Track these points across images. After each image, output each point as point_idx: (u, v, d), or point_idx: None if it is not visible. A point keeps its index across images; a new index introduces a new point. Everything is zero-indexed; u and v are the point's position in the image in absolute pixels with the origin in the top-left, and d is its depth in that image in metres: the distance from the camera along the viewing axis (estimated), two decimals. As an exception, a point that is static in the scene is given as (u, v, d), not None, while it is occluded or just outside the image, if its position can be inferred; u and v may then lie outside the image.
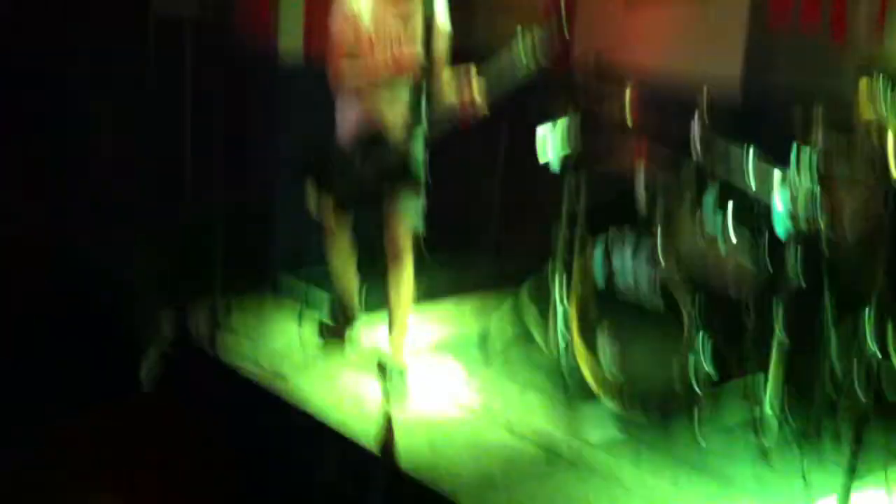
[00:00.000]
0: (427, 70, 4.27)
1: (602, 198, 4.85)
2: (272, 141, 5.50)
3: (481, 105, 4.27)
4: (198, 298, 4.86)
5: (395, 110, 4.32)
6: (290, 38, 5.46)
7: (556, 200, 4.75)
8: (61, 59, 5.46)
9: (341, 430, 4.08)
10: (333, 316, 4.97)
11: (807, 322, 4.09)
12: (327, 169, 4.47)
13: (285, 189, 5.23)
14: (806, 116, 3.93)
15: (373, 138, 4.34)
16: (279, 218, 5.54)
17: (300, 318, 5.00)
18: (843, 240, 4.09)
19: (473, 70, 4.25)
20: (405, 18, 4.29)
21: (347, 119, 4.42)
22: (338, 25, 4.28)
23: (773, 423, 3.99)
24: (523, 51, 4.16)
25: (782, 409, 4.01)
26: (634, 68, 5.61)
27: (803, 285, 3.94)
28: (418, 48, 4.28)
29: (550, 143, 4.63)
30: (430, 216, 4.54)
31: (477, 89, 4.23)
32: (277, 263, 5.58)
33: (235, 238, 5.10)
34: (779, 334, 3.97)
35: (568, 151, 4.60)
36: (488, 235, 6.15)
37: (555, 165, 4.61)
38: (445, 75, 4.40)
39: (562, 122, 4.62)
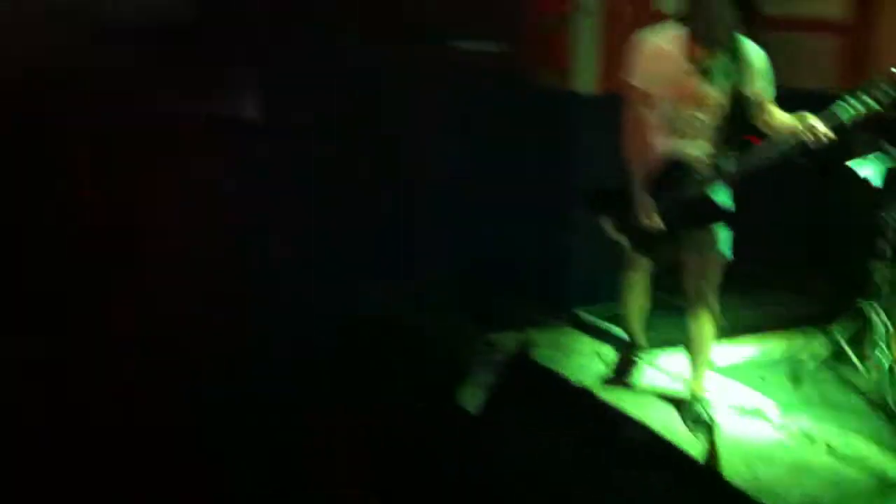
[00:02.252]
0: (737, 105, 4.14)
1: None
2: (571, 174, 5.62)
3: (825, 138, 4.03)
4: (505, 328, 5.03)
5: (697, 145, 4.21)
6: (585, 73, 5.58)
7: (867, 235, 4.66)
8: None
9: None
10: (626, 351, 4.98)
11: None
12: (624, 209, 4.37)
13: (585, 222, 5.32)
14: None
15: (672, 174, 4.24)
16: (576, 250, 5.61)
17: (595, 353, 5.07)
18: None
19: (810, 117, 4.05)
20: (706, 71, 4.14)
21: (644, 154, 4.29)
22: (640, 65, 4.22)
23: None
24: (870, 98, 3.94)
25: None
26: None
27: None
28: (723, 89, 4.14)
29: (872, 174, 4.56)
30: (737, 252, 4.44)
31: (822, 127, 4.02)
32: (575, 297, 5.66)
33: (534, 270, 5.28)
34: None
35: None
36: (796, 270, 5.99)
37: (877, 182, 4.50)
38: (770, 114, 4.22)
39: (881, 158, 4.56)
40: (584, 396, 4.73)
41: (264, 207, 6.41)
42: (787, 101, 4.25)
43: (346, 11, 6.65)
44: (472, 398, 4.74)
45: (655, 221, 4.25)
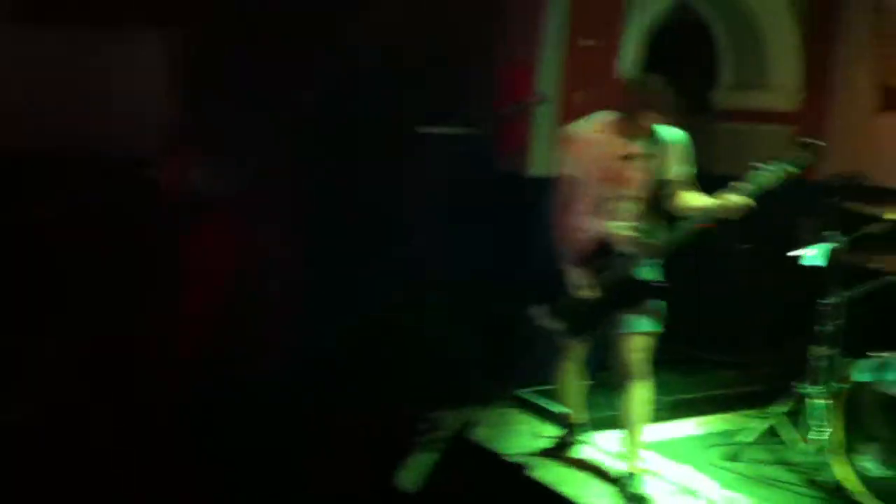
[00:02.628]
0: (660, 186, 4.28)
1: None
2: (516, 255, 5.62)
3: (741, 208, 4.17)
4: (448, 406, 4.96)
5: (626, 224, 4.29)
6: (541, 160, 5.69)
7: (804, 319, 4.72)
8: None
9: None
10: (564, 430, 4.92)
11: None
12: (556, 294, 4.43)
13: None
14: None
15: (603, 254, 4.32)
16: (519, 331, 5.56)
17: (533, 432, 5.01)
18: None
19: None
20: (634, 156, 4.28)
21: (575, 235, 4.39)
22: (570, 153, 4.38)
23: None
24: (787, 163, 4.13)
25: None
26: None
27: None
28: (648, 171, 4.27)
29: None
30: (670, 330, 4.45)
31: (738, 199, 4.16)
32: (518, 377, 5.59)
33: (478, 349, 5.23)
34: None
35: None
36: (736, 351, 5.98)
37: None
38: (685, 196, 4.35)
39: (825, 247, 4.66)
40: (521, 475, 4.63)
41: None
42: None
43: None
44: (411, 476, 4.63)
45: (588, 299, 4.31)
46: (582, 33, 5.68)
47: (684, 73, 6.48)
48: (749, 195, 4.06)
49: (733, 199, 4.12)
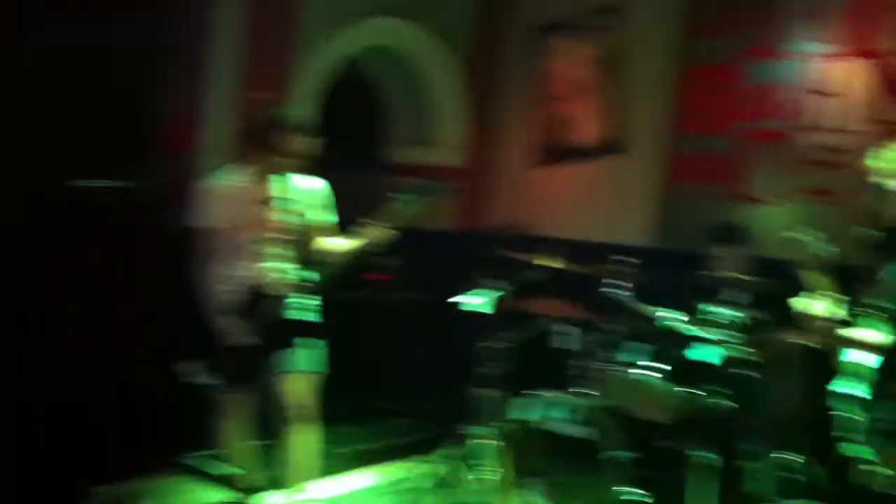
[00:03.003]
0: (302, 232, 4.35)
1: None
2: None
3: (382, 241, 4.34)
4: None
5: (275, 268, 4.28)
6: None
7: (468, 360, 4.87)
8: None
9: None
10: (237, 494, 4.71)
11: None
12: (211, 349, 4.33)
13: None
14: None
15: (254, 300, 4.26)
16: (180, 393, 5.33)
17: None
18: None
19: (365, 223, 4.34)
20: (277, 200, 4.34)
21: (226, 284, 4.33)
22: (211, 202, 4.35)
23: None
24: (418, 195, 4.30)
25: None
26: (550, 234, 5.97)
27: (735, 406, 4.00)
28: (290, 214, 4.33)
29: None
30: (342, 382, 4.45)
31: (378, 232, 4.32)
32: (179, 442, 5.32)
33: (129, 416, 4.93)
34: (706, 456, 3.96)
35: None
36: (408, 399, 6.07)
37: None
38: (329, 239, 4.43)
39: (490, 293, 4.85)
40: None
41: None
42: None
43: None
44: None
45: (243, 347, 4.22)
46: (253, 86, 5.63)
47: (354, 128, 6.63)
48: (386, 227, 4.20)
49: (370, 232, 4.28)
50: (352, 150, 7.12)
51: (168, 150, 5.47)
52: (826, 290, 2.81)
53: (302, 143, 4.26)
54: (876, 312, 2.79)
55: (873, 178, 2.84)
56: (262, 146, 4.28)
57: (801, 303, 2.85)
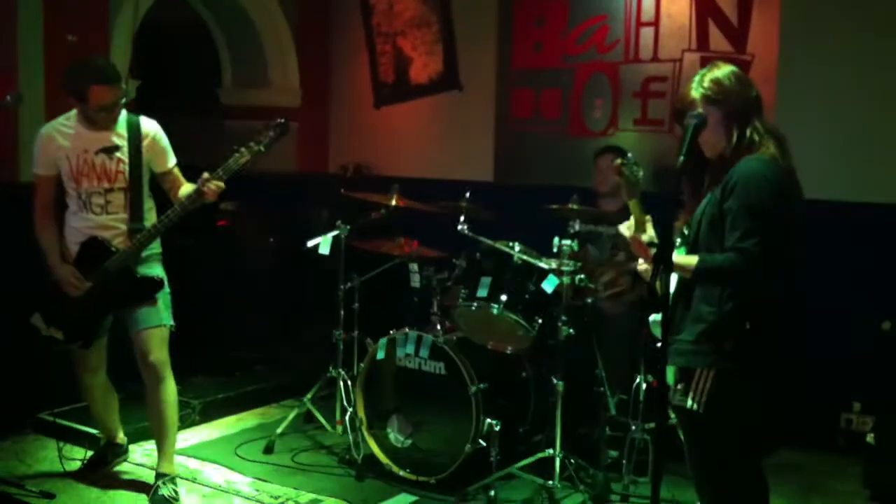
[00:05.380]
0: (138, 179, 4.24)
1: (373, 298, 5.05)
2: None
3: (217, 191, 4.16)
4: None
5: (112, 219, 4.21)
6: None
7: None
8: None
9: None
10: (100, 448, 4.69)
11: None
12: (51, 301, 4.23)
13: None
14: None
15: (93, 251, 4.20)
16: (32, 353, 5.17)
17: (60, 456, 4.63)
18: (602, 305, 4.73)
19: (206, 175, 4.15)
20: (110, 149, 4.22)
21: (60, 236, 4.27)
22: (44, 152, 4.22)
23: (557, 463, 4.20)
24: (256, 144, 4.15)
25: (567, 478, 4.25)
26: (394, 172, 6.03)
27: (572, 332, 4.18)
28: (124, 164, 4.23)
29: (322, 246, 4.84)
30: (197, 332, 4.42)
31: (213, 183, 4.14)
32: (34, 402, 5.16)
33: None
34: (555, 381, 4.17)
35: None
36: (270, 347, 6.06)
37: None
38: (174, 183, 4.34)
39: (328, 237, 4.84)
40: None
41: None
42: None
43: None
44: None
45: (82, 300, 4.16)
46: (62, 30, 5.37)
47: (180, 70, 6.45)
48: (221, 178, 4.08)
49: (208, 186, 4.09)
50: (185, 94, 6.95)
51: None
52: (645, 218, 2.96)
53: (109, 91, 4.09)
54: (681, 239, 2.98)
55: (689, 107, 2.97)
56: (73, 94, 4.12)
57: (626, 228, 2.99)
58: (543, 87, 5.93)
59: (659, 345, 2.74)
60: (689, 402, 2.89)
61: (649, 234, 2.94)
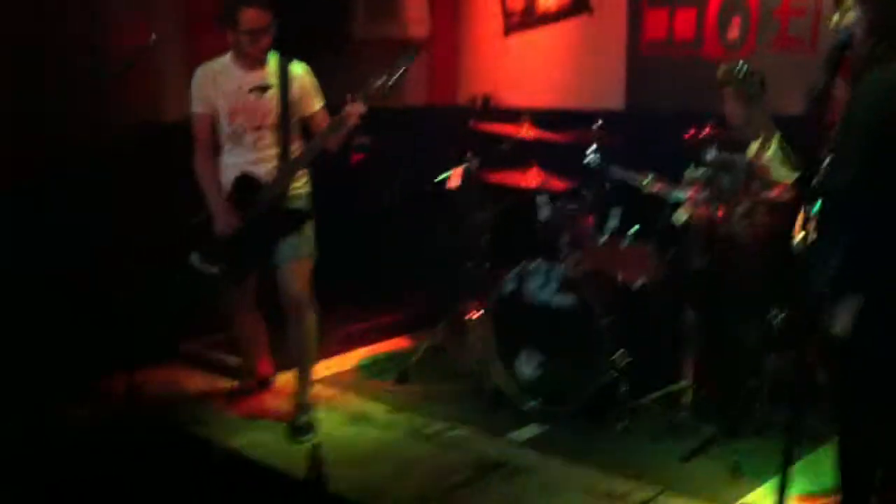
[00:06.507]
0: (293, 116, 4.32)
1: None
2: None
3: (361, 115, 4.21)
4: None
5: (264, 157, 4.31)
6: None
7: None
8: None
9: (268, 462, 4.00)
10: (243, 378, 4.88)
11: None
12: (208, 239, 4.38)
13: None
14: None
15: (246, 188, 4.32)
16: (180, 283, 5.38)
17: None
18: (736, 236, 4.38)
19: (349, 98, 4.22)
20: (262, 88, 4.30)
21: (217, 175, 4.39)
22: (198, 91, 4.33)
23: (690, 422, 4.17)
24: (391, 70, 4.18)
25: (698, 410, 4.21)
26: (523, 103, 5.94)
27: (704, 265, 4.08)
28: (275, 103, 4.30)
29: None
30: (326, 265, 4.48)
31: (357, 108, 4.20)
32: (181, 331, 5.40)
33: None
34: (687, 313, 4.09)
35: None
36: (400, 281, 6.14)
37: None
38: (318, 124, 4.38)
39: (458, 170, 4.87)
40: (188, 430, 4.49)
41: None
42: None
43: None
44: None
45: (237, 236, 4.29)
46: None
47: (313, 6, 6.47)
48: (363, 101, 4.12)
49: (350, 108, 4.15)
50: (313, 29, 6.99)
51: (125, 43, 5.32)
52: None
53: (258, 14, 4.16)
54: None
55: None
56: (226, 21, 4.19)
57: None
58: (677, 6, 5.72)
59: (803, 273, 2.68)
60: (836, 329, 2.81)
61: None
